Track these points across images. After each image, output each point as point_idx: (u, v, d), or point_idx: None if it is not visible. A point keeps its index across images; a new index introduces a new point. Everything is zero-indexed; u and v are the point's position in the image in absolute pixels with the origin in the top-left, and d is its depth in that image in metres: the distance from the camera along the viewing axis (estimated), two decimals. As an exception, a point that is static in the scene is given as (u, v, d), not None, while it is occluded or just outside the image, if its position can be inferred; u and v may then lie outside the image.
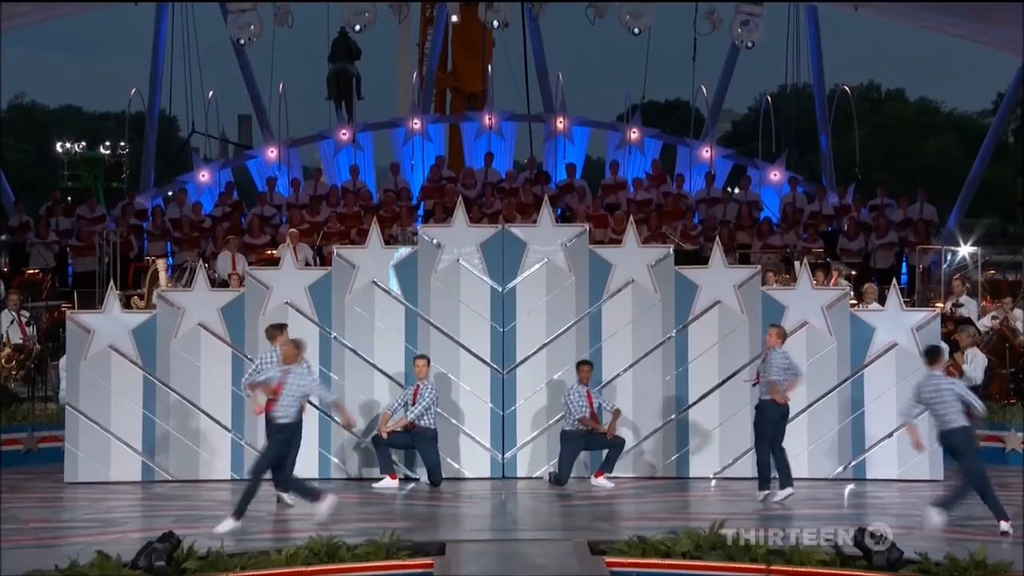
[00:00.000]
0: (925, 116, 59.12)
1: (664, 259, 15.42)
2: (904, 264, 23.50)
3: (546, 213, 15.67)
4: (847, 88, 30.30)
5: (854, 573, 9.84)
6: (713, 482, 14.82)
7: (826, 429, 14.90)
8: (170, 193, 26.38)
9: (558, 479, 14.54)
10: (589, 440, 14.67)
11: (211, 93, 27.51)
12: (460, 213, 15.64)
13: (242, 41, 23.88)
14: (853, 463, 15.06)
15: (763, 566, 9.93)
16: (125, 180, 29.01)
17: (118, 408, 14.91)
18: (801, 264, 15.99)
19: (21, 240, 23.21)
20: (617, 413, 14.74)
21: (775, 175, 26.50)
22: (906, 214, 23.93)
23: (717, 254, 15.50)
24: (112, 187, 29.13)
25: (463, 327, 15.29)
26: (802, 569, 9.90)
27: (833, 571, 9.88)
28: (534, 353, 15.27)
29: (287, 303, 15.23)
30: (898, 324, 15.18)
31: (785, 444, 13.58)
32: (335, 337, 15.24)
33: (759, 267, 16.30)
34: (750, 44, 23.65)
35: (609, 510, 13.36)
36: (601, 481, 14.50)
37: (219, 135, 30.62)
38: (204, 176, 26.42)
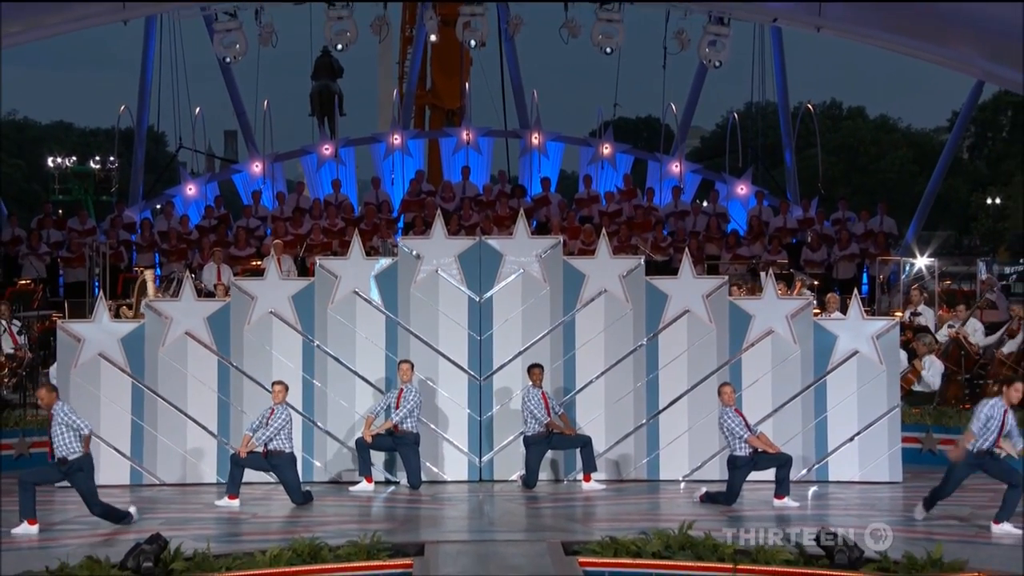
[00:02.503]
0: (884, 133, 59.53)
1: (635, 270, 15.43)
2: (865, 275, 23.61)
3: (521, 225, 15.67)
4: (810, 106, 30.48)
5: (817, 571, 9.87)
6: (682, 485, 14.81)
7: (791, 432, 14.94)
8: (158, 206, 26.28)
9: (527, 482, 14.50)
10: (552, 441, 14.66)
11: (198, 109, 27.49)
12: (439, 225, 15.63)
13: (228, 59, 23.82)
14: (816, 466, 15.10)
15: (730, 565, 9.95)
16: (114, 193, 29.01)
17: (107, 414, 14.84)
18: (767, 275, 16.03)
19: (13, 252, 23.10)
20: (563, 416, 14.79)
21: (742, 189, 26.59)
22: (866, 227, 24.06)
23: (686, 265, 15.52)
24: (102, 200, 29.13)
25: (442, 335, 15.27)
26: (767, 568, 9.93)
27: (797, 570, 9.91)
28: (510, 360, 15.26)
29: (271, 312, 15.19)
30: (859, 332, 15.23)
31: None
32: (318, 345, 15.20)
33: (727, 277, 16.32)
34: (717, 63, 23.70)
35: (582, 512, 13.36)
36: (593, 485, 14.47)
37: (206, 150, 30.57)
38: (191, 190, 26.35)
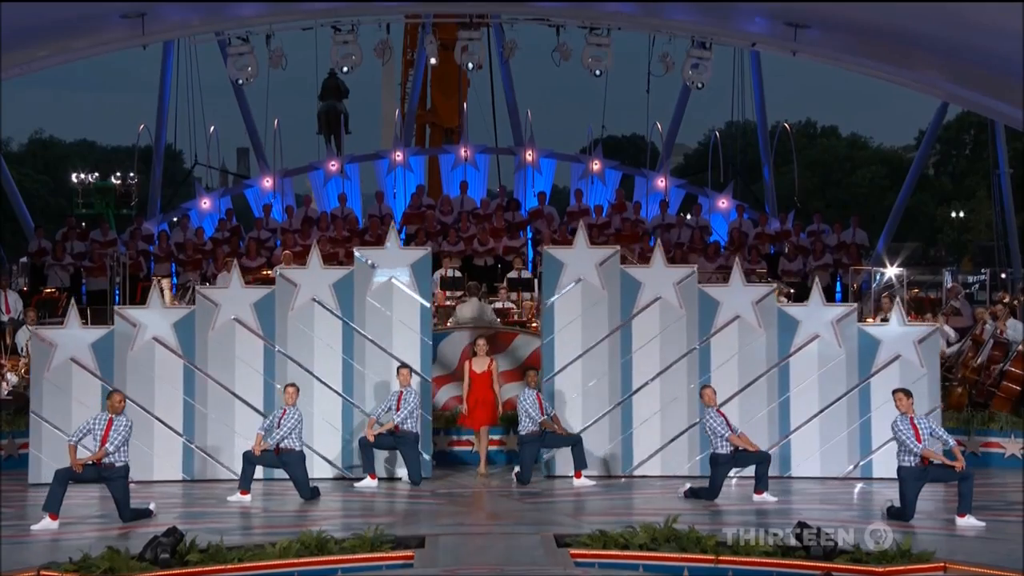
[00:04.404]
0: (856, 150, 59.54)
1: (688, 277, 15.40)
2: (839, 283, 23.62)
3: (581, 236, 15.62)
4: (787, 125, 30.48)
5: (793, 563, 9.85)
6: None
7: (837, 432, 14.82)
8: (175, 219, 26.26)
9: (521, 478, 14.47)
10: (545, 439, 14.64)
11: (212, 128, 27.49)
12: (392, 236, 15.62)
13: (240, 81, 23.80)
14: (861, 463, 14.96)
15: (712, 556, 9.93)
16: (134, 207, 28.95)
17: (78, 415, 14.63)
18: (814, 283, 15.82)
19: (39, 262, 23.06)
20: (555, 416, 14.78)
21: (723, 203, 26.59)
22: (840, 238, 24.05)
23: (736, 273, 15.48)
24: (122, 213, 29.05)
25: (395, 340, 15.20)
26: (747, 559, 9.91)
27: (775, 560, 9.89)
28: (571, 363, 15.21)
29: (235, 319, 15.10)
30: (901, 337, 15.17)
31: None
32: (278, 350, 15.11)
33: (776, 285, 16.29)
34: (700, 85, 23.70)
35: (573, 506, 13.33)
36: (583, 481, 14.42)
37: (220, 166, 30.61)
38: (206, 203, 26.32)
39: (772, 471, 13.88)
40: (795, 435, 15.07)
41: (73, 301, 16.60)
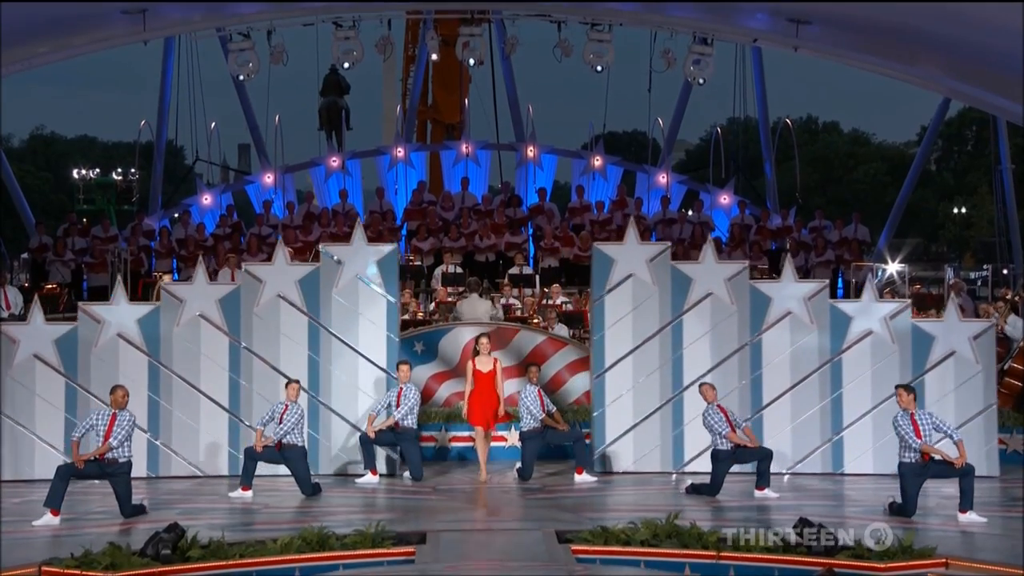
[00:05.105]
0: (857, 146, 59.50)
1: (739, 273, 15.33)
2: (840, 279, 23.60)
3: (632, 232, 15.55)
4: (788, 121, 30.46)
5: (795, 559, 9.85)
6: (673, 477, 14.77)
7: (888, 429, 14.41)
8: (176, 215, 26.26)
9: (523, 475, 14.43)
10: (547, 436, 14.61)
11: (213, 124, 27.48)
12: (359, 233, 15.49)
13: (241, 77, 23.78)
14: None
15: (714, 552, 9.93)
16: (135, 203, 28.87)
17: (41, 411, 14.68)
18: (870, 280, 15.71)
19: (40, 258, 23.06)
20: (557, 413, 14.76)
21: (724, 199, 26.58)
22: (841, 234, 24.04)
23: (788, 269, 15.42)
24: (123, 210, 28.99)
25: (362, 337, 15.15)
26: (749, 555, 9.91)
27: (776, 556, 9.89)
28: (621, 359, 15.15)
29: (200, 315, 15.04)
30: (957, 334, 15.11)
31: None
32: (244, 346, 15.05)
33: (826, 281, 16.14)
34: (701, 81, 23.67)
35: (574, 503, 13.31)
36: (585, 477, 14.38)
37: (221, 162, 30.55)
38: (207, 199, 26.32)
39: (824, 467, 13.84)
40: (847, 432, 14.92)
41: (37, 298, 16.42)
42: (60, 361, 14.90)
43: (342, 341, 15.12)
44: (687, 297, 15.22)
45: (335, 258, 15.28)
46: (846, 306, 15.36)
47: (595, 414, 15.25)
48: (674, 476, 14.74)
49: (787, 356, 15.12)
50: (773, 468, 13.75)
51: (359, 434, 14.65)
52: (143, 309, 15.25)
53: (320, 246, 15.84)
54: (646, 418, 15.10)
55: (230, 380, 15.01)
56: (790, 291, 15.24)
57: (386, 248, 15.64)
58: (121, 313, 15.08)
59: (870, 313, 15.16)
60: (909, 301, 16.03)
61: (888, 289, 19.74)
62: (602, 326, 15.25)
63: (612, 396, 15.16)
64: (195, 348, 15.01)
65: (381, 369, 15.10)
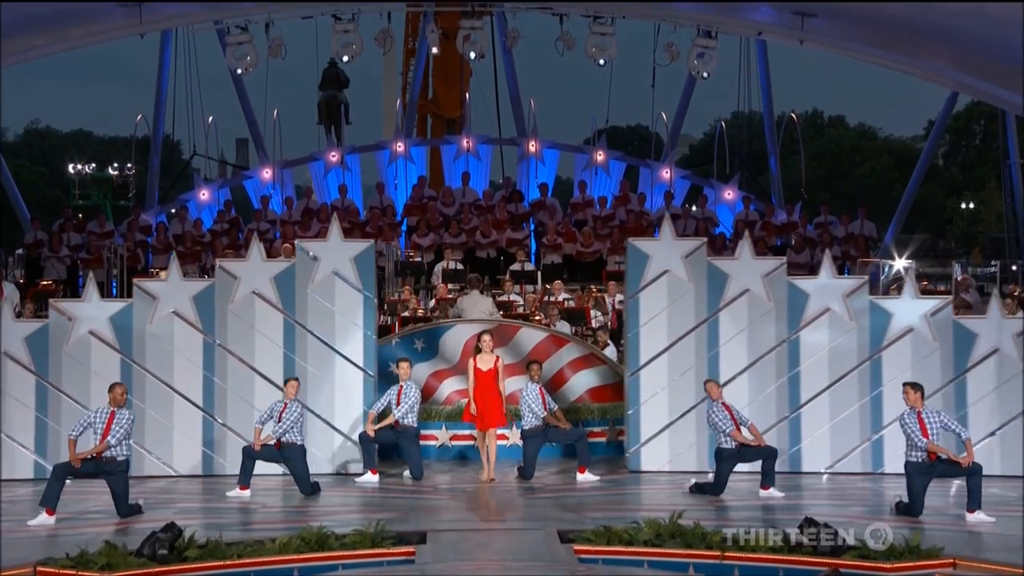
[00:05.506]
0: (863, 141, 59.53)
1: (777, 270, 15.26)
2: (846, 276, 23.55)
3: (667, 227, 15.49)
4: (793, 115, 30.43)
5: (800, 559, 9.84)
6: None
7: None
8: (173, 210, 26.27)
9: (524, 474, 14.41)
10: (548, 435, 14.59)
11: (211, 118, 27.45)
12: (335, 229, 15.40)
13: (239, 71, 23.77)
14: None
15: (718, 552, 9.93)
16: (132, 198, 28.95)
17: (12, 411, 14.63)
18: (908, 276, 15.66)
19: (36, 254, 23.04)
20: (558, 412, 14.74)
21: (729, 194, 26.56)
22: (847, 230, 24.02)
23: (826, 265, 15.35)
24: (120, 205, 29.06)
25: (338, 334, 15.10)
26: (753, 555, 9.90)
27: (781, 556, 9.88)
28: (656, 357, 15.12)
29: (173, 312, 14.98)
30: (999, 331, 15.03)
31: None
32: (219, 344, 15.01)
33: (866, 278, 16.07)
34: (705, 75, 23.65)
35: (576, 502, 13.30)
36: (587, 476, 14.36)
37: (218, 157, 30.53)
38: (204, 195, 26.32)
39: (864, 467, 13.77)
40: (887, 431, 14.80)
41: (8, 295, 16.38)
42: (31, 359, 14.81)
43: (318, 338, 15.05)
44: (723, 294, 15.16)
45: (311, 254, 15.21)
46: (887, 303, 15.24)
47: (629, 412, 15.20)
48: (710, 475, 14.58)
49: (825, 354, 15.04)
50: (810, 467, 13.65)
51: (359, 432, 14.64)
52: (115, 306, 15.15)
53: (296, 242, 15.80)
54: (681, 416, 15.07)
55: (204, 378, 14.94)
56: (829, 288, 15.15)
57: (362, 244, 15.57)
58: (93, 310, 14.99)
59: (911, 310, 15.05)
60: (951, 298, 15.96)
61: (895, 286, 19.70)
62: (636, 323, 15.21)
63: (647, 394, 15.10)
64: (168, 346, 14.94)
65: (358, 367, 15.04)
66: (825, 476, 14.68)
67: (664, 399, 15.05)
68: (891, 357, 15.00)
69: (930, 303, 15.25)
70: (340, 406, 15.01)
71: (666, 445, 15.04)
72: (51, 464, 14.20)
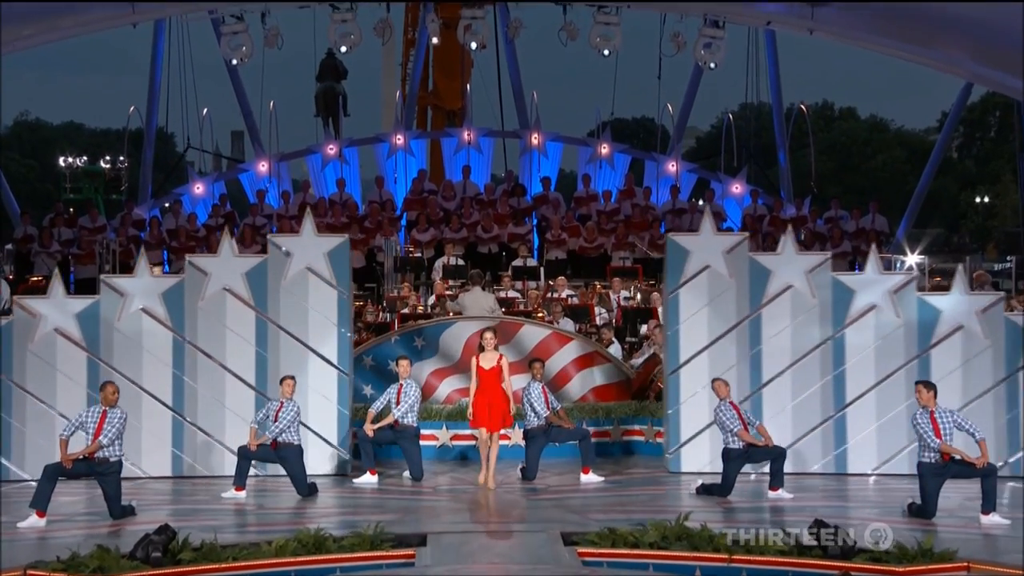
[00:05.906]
0: (875, 133, 59.53)
1: (821, 265, 15.17)
2: (857, 272, 23.55)
3: (707, 222, 15.43)
4: (803, 107, 30.42)
5: (809, 562, 9.82)
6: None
7: (984, 426, 13.90)
8: (167, 204, 26.29)
9: (527, 474, 14.39)
10: (551, 434, 14.54)
11: (205, 110, 27.51)
12: (308, 223, 15.27)
13: (234, 61, 23.78)
14: (1011, 460, 14.60)
15: (725, 555, 9.91)
16: (124, 192, 28.94)
17: None
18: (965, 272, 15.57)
19: (25, 249, 23.06)
20: (561, 411, 14.71)
21: (736, 188, 26.56)
22: (858, 225, 24.02)
23: (872, 261, 15.26)
24: (112, 199, 29.03)
25: (311, 331, 15.03)
26: (761, 558, 9.89)
27: (791, 559, 9.87)
28: (696, 355, 15.05)
29: (142, 309, 14.90)
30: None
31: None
32: (188, 341, 14.92)
33: (913, 274, 15.96)
34: (712, 65, 23.65)
35: (580, 503, 13.29)
36: (591, 477, 14.34)
37: (213, 150, 30.57)
38: (199, 188, 26.35)
39: (911, 468, 13.56)
40: None
41: None
42: None
43: (291, 336, 14.98)
44: (766, 290, 15.09)
45: (283, 249, 15.12)
46: (935, 300, 15.12)
47: (669, 412, 15.13)
48: (752, 476, 14.45)
49: (871, 352, 14.95)
50: (856, 469, 13.64)
51: (359, 432, 14.64)
52: (82, 303, 15.02)
53: (268, 236, 15.74)
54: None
55: (173, 377, 14.86)
56: (875, 284, 15.08)
57: (337, 239, 15.47)
58: (58, 306, 14.90)
59: (961, 307, 14.95)
60: (1003, 294, 15.86)
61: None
62: (676, 320, 15.12)
63: (687, 394, 15.03)
64: (137, 344, 14.86)
65: (332, 365, 14.99)
66: (872, 478, 14.57)
67: (704, 398, 14.84)
68: (940, 355, 14.87)
69: (983, 300, 15.10)
70: (314, 404, 14.92)
71: (707, 445, 14.86)
72: (13, 466, 14.28)
